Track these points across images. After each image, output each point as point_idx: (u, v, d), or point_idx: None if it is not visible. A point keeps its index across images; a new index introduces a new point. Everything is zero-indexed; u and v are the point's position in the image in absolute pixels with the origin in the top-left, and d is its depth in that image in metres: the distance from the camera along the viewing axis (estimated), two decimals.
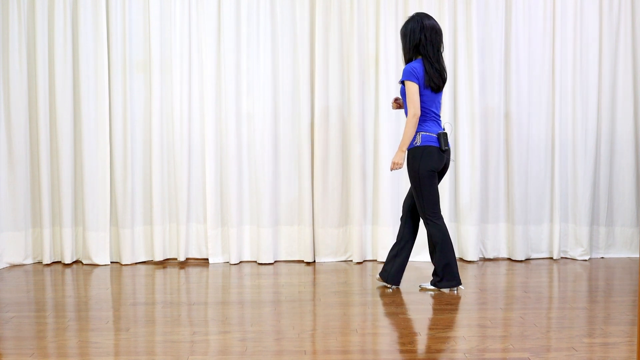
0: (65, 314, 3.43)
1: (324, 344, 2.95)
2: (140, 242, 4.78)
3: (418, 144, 3.75)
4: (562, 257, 4.84)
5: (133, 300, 3.73)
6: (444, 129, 3.87)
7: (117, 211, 4.72)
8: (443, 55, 3.85)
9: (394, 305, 3.58)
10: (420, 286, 3.98)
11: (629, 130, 4.81)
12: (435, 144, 3.75)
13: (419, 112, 3.72)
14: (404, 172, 4.75)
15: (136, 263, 4.75)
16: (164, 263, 4.76)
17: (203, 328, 3.19)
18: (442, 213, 4.22)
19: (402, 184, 4.76)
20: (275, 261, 4.79)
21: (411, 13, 4.65)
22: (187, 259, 4.83)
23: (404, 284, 4.05)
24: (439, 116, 3.86)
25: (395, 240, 4.03)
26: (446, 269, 3.83)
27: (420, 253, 4.75)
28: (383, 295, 3.81)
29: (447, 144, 3.77)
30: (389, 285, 3.98)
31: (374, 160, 4.75)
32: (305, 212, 4.72)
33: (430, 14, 4.65)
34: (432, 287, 3.92)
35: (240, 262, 4.78)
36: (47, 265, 4.70)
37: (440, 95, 3.84)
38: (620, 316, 3.34)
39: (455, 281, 3.86)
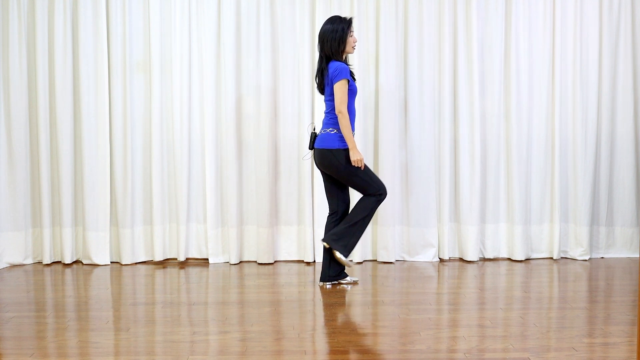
0: (65, 314, 3.43)
1: (324, 344, 2.95)
2: (140, 242, 4.78)
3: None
4: (562, 257, 4.84)
5: (133, 300, 3.73)
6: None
7: (117, 211, 4.72)
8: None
9: (394, 305, 3.58)
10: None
11: (629, 130, 4.81)
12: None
13: None
14: (403, 170, 4.75)
15: (136, 263, 4.75)
16: (164, 263, 4.76)
17: (203, 328, 3.19)
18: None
19: (401, 183, 4.76)
20: (275, 261, 4.79)
21: (411, 13, 4.67)
22: (187, 259, 4.83)
23: (404, 284, 4.05)
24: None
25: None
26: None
27: (420, 253, 4.76)
28: (383, 295, 3.81)
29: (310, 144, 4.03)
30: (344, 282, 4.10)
31: (374, 160, 4.74)
32: (306, 212, 4.72)
33: (430, 14, 4.66)
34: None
35: (240, 262, 4.78)
36: (47, 265, 4.70)
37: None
38: (620, 316, 3.34)
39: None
